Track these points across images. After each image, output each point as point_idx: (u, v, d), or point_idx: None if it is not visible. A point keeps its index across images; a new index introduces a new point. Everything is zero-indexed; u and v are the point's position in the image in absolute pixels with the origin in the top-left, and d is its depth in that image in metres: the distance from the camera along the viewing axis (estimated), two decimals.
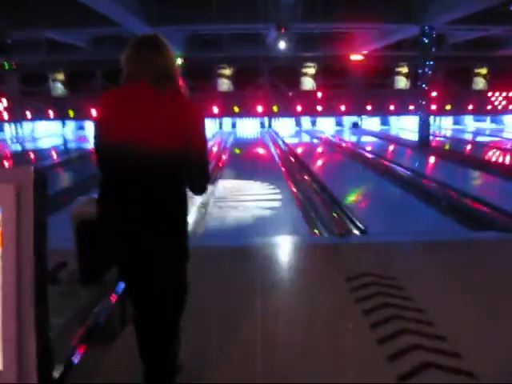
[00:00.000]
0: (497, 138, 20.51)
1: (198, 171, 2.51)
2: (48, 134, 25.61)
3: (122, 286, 3.31)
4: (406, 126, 25.15)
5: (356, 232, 6.69)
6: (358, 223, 7.02)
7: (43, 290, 1.19)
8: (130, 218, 2.37)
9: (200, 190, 2.59)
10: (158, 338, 2.58)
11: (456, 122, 27.44)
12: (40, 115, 26.13)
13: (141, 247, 2.41)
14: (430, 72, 16.54)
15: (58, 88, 26.13)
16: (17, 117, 25.98)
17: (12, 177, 1.14)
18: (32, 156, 18.33)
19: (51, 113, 26.01)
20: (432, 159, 15.47)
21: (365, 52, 23.46)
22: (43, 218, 1.19)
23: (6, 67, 23.71)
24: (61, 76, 25.98)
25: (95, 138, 2.43)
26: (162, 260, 2.45)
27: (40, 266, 1.17)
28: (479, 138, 21.59)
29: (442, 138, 21.97)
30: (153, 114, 2.32)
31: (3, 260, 1.13)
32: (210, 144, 18.38)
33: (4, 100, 25.78)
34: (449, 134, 24.10)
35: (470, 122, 27.39)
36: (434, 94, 17.68)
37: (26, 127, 26.46)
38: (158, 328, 2.57)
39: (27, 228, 1.13)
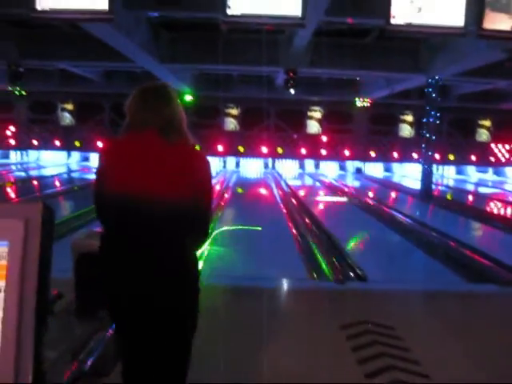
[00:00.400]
0: (499, 190, 20.57)
1: (200, 227, 2.40)
2: (53, 163, 25.76)
3: None
4: (408, 174, 25.26)
5: (355, 278, 6.66)
6: (356, 269, 7.00)
7: (43, 325, 1.20)
8: (133, 279, 2.25)
9: (197, 246, 2.48)
10: None
11: (459, 172, 27.57)
12: (46, 144, 26.31)
13: (143, 313, 2.28)
14: (434, 122, 16.70)
15: (66, 118, 26.39)
16: (23, 144, 26.17)
17: (21, 212, 1.17)
18: (35, 183, 18.41)
19: (58, 142, 26.18)
20: (434, 208, 15.48)
21: (371, 99, 23.74)
22: (48, 253, 1.21)
23: (17, 94, 24.05)
24: (70, 106, 26.26)
25: (97, 186, 2.33)
26: (167, 334, 2.32)
27: (42, 300, 1.18)
28: (481, 189, 21.67)
29: (444, 188, 22.05)
30: (160, 164, 2.24)
31: (6, 294, 1.15)
32: (213, 181, 18.47)
33: (11, 127, 25.99)
34: (451, 183, 24.19)
35: (472, 173, 27.51)
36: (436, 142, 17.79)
37: (32, 155, 26.63)
38: None
39: (32, 263, 1.15)
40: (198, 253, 2.50)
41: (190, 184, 2.26)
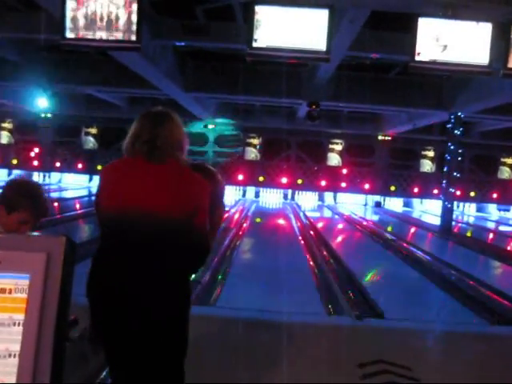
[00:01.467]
0: None
1: (194, 247, 2.38)
2: (74, 185, 26.03)
3: None
4: (428, 209, 25.05)
5: (372, 315, 6.57)
6: (374, 306, 6.91)
7: (61, 358, 1.19)
8: (119, 297, 2.28)
9: (192, 267, 2.49)
10: None
11: (479, 210, 27.27)
12: (69, 167, 26.64)
13: (130, 328, 2.30)
14: (456, 158, 16.60)
15: (90, 142, 26.74)
16: (46, 166, 26.52)
17: (44, 245, 1.17)
18: (56, 205, 18.57)
19: (80, 165, 26.49)
20: (453, 245, 15.29)
21: (392, 133, 23.73)
22: (69, 287, 1.20)
23: (43, 116, 24.49)
24: (94, 130, 26.63)
25: (96, 208, 2.47)
26: (154, 354, 2.32)
27: (60, 335, 1.17)
28: (502, 228, 21.39)
29: (464, 225, 21.81)
30: (152, 181, 2.35)
31: (25, 327, 1.15)
32: (232, 211, 18.48)
33: (36, 148, 26.38)
34: (471, 220, 23.92)
35: (493, 211, 27.19)
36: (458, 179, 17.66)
37: (54, 177, 26.96)
38: None
39: (52, 297, 1.15)
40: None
41: (178, 201, 2.31)
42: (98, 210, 2.45)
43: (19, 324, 1.14)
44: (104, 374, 3.20)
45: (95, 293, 2.37)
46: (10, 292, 1.16)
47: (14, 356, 1.13)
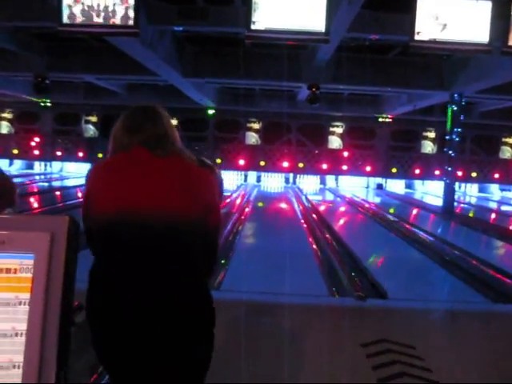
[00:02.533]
0: None
1: (209, 249, 2.21)
2: (76, 173, 26.06)
3: None
4: (430, 191, 25.04)
5: (375, 296, 6.60)
6: (377, 287, 6.94)
7: (67, 338, 1.20)
8: (134, 316, 1.98)
9: (208, 274, 2.29)
10: None
11: (481, 190, 27.25)
12: (70, 155, 26.64)
13: (147, 359, 1.99)
14: (457, 139, 16.57)
15: (90, 130, 26.70)
16: (47, 155, 26.53)
17: (48, 225, 1.18)
18: (58, 194, 18.62)
19: (81, 154, 26.49)
20: (455, 226, 15.31)
21: (393, 115, 23.67)
22: (73, 267, 1.21)
23: (42, 105, 24.49)
24: (94, 118, 26.58)
25: (85, 211, 2.14)
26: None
27: (66, 314, 1.18)
28: (504, 207, 21.40)
29: (466, 205, 21.81)
30: (155, 178, 2.09)
31: (31, 306, 1.15)
32: (233, 196, 18.51)
33: (36, 138, 26.37)
34: (473, 201, 23.92)
35: (495, 191, 27.18)
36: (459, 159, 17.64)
37: (55, 166, 26.97)
38: None
39: (57, 276, 1.16)
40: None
41: (192, 198, 2.08)
42: (90, 216, 2.10)
43: (25, 303, 1.15)
44: None
45: (104, 318, 2.04)
46: (15, 272, 1.16)
47: (21, 335, 1.14)
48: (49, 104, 24.69)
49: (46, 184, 22.05)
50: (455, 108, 16.25)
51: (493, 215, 19.08)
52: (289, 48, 13.47)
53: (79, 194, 18.39)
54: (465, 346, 4.66)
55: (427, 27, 7.14)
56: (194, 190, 2.09)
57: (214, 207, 2.18)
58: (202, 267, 2.12)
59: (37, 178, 23.88)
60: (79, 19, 7.19)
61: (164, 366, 2.01)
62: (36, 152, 26.53)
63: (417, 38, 7.22)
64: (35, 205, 15.27)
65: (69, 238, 1.19)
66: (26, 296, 1.15)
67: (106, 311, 2.03)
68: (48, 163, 26.99)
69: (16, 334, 1.14)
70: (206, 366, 2.18)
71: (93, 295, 2.06)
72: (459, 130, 16.53)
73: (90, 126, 26.69)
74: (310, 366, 4.08)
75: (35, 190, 19.74)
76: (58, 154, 26.57)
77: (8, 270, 1.17)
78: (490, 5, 7.30)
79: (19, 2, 10.42)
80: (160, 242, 1.99)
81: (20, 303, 1.15)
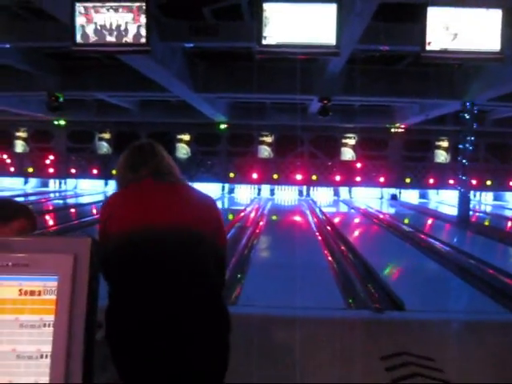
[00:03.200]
0: None
1: (220, 264, 2.33)
2: (90, 191, 26.26)
3: None
4: (445, 200, 24.89)
5: (392, 307, 6.56)
6: (394, 298, 6.89)
7: (91, 358, 1.21)
8: (156, 341, 2.05)
9: (219, 288, 2.36)
10: None
11: (496, 198, 27.05)
12: (84, 172, 26.85)
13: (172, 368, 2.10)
14: (470, 147, 16.49)
15: (104, 147, 26.91)
16: (62, 173, 26.76)
17: (71, 246, 1.19)
18: (73, 211, 18.74)
19: (95, 171, 26.68)
20: (472, 235, 15.19)
21: (405, 125, 23.63)
22: (96, 287, 1.22)
23: (56, 124, 24.76)
24: (107, 135, 26.79)
25: (103, 237, 2.23)
26: None
27: (90, 335, 1.19)
28: None
29: (481, 214, 21.64)
30: (172, 199, 2.32)
31: (55, 328, 1.16)
32: (247, 209, 18.52)
33: (51, 156, 26.63)
34: (489, 209, 23.73)
35: (510, 198, 26.96)
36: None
37: (70, 183, 27.18)
38: None
39: (81, 298, 1.17)
40: None
41: (203, 215, 2.28)
42: (109, 237, 2.19)
43: (50, 325, 1.16)
44: None
45: (124, 336, 2.14)
46: (40, 294, 1.18)
47: (46, 357, 1.15)
48: (62, 122, 24.95)
49: (61, 201, 22.21)
50: (467, 116, 16.19)
51: (509, 223, 18.90)
52: (300, 61, 13.53)
53: (94, 211, 18.51)
54: (483, 356, 4.61)
55: (438, 37, 7.14)
56: (203, 209, 2.31)
57: (221, 225, 2.40)
58: (216, 279, 2.26)
59: (51, 195, 24.07)
60: (92, 38, 7.28)
61: (183, 375, 2.12)
62: (51, 170, 26.78)
63: (428, 48, 7.21)
64: (51, 222, 15.38)
65: (91, 260, 1.20)
66: (51, 318, 1.17)
67: (128, 329, 2.12)
68: (63, 181, 27.19)
69: (41, 356, 1.15)
70: (223, 372, 2.27)
71: (113, 312, 2.16)
72: (472, 138, 16.45)
73: (104, 143, 26.90)
74: (327, 379, 4.05)
75: (50, 207, 19.89)
76: (73, 171, 26.78)
77: (32, 293, 1.18)
78: (500, 13, 7.29)
79: (33, 22, 10.61)
80: (175, 255, 2.12)
81: (45, 325, 1.16)
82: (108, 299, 2.19)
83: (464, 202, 16.69)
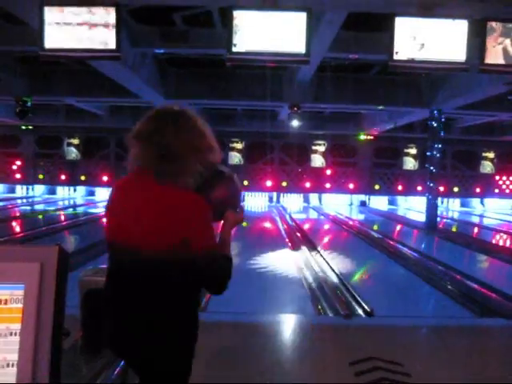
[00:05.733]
0: (504, 222, 20.52)
1: (210, 275, 2.17)
2: (58, 197, 25.92)
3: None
4: (413, 207, 25.24)
5: (361, 313, 6.62)
6: (363, 304, 6.96)
7: (58, 366, 1.21)
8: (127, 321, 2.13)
9: (216, 292, 2.27)
10: None
11: (463, 205, 27.55)
12: (52, 178, 26.48)
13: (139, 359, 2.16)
14: (438, 155, 16.77)
15: (72, 152, 26.60)
16: (29, 178, 26.34)
17: (38, 255, 1.19)
18: (40, 218, 18.46)
19: (63, 177, 26.35)
20: (439, 241, 15.43)
21: (374, 132, 23.92)
22: (63, 296, 1.22)
23: (23, 129, 24.39)
24: (75, 141, 26.49)
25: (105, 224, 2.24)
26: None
27: (56, 343, 1.19)
28: (486, 221, 21.62)
29: (449, 220, 22.00)
30: (144, 209, 2.04)
31: (22, 336, 1.16)
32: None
33: (18, 161, 26.20)
34: (456, 216, 24.14)
35: (477, 205, 27.49)
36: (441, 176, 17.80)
37: (37, 189, 26.77)
38: None
39: (47, 306, 1.16)
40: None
41: (175, 227, 2.01)
42: (106, 234, 2.21)
43: (16, 334, 1.16)
44: (98, 382, 3.21)
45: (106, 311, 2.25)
46: (6, 302, 1.17)
47: (13, 365, 1.14)
48: (30, 127, 24.61)
49: (28, 208, 21.86)
50: (435, 124, 16.47)
51: (475, 229, 19.25)
52: (270, 69, 13.60)
53: (62, 218, 18.27)
54: (451, 361, 4.68)
55: (405, 47, 7.25)
56: (170, 223, 2.01)
57: (196, 235, 2.04)
58: (181, 289, 2.12)
59: (19, 201, 23.68)
60: (61, 43, 7.21)
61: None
62: (18, 176, 26.34)
63: (395, 57, 7.32)
64: (17, 229, 15.14)
65: (59, 268, 1.20)
66: (17, 326, 1.16)
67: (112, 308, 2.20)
68: (30, 186, 26.76)
69: (7, 365, 1.14)
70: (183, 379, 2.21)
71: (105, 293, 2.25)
72: (440, 145, 16.74)
73: (73, 149, 26.59)
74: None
75: (17, 214, 19.57)
76: (40, 177, 26.40)
77: None
78: (466, 24, 7.44)
79: (1, 26, 10.44)
80: (138, 266, 2.04)
81: (11, 334, 1.16)
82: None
83: (432, 208, 16.95)
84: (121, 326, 2.15)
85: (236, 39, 7.02)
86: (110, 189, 2.26)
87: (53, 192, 26.71)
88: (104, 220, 2.25)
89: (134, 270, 2.06)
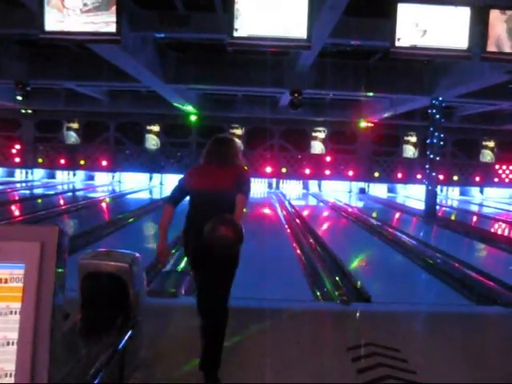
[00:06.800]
0: (503, 211, 20.55)
1: (240, 204, 3.96)
2: (57, 181, 25.91)
3: (122, 343, 3.29)
4: (412, 195, 25.26)
5: (359, 299, 6.64)
6: (361, 290, 6.99)
7: (57, 345, 1.21)
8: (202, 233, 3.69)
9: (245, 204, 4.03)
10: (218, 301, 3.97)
11: (463, 193, 27.57)
12: (52, 162, 26.44)
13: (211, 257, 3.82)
14: (438, 143, 16.74)
15: (72, 136, 26.54)
16: (29, 162, 26.31)
17: (38, 235, 1.19)
18: (39, 202, 18.47)
19: (63, 161, 26.31)
20: (438, 229, 15.46)
21: (374, 120, 23.86)
22: (63, 276, 1.22)
23: (23, 112, 24.31)
24: (75, 125, 26.43)
25: (180, 186, 4.17)
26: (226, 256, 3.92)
27: (56, 322, 1.19)
28: (485, 210, 21.65)
29: (448, 208, 22.02)
30: (217, 175, 4.08)
31: (22, 315, 1.16)
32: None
33: (17, 145, 26.15)
34: (455, 204, 24.17)
35: (476, 194, 27.52)
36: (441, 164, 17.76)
37: (37, 173, 26.74)
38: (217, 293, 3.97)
39: (48, 286, 1.17)
40: None
41: (233, 182, 4.00)
42: (188, 188, 4.10)
43: (16, 312, 1.16)
44: (97, 365, 3.21)
45: (190, 236, 3.98)
46: (6, 281, 1.17)
47: (13, 344, 1.15)
48: (30, 111, 24.53)
49: (27, 192, 21.86)
50: (435, 112, 16.43)
51: (474, 218, 19.29)
52: (271, 54, 13.54)
53: (61, 202, 18.29)
54: (448, 347, 4.71)
55: (407, 34, 7.22)
56: (230, 179, 4.02)
57: (241, 181, 4.05)
58: (232, 207, 3.92)
59: (18, 185, 23.67)
60: (61, 26, 7.17)
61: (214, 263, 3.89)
62: (17, 159, 26.31)
63: (397, 44, 7.30)
64: (16, 213, 15.16)
65: (59, 248, 1.20)
66: (17, 305, 1.16)
67: (192, 234, 3.95)
68: (29, 171, 26.72)
69: (7, 343, 1.15)
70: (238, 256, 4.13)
71: (186, 225, 4.04)
72: (440, 134, 16.71)
73: (72, 133, 26.54)
74: (295, 369, 4.10)
75: (16, 198, 19.58)
76: (40, 161, 26.37)
77: None
78: (468, 11, 7.41)
79: (0, 9, 10.37)
80: (214, 200, 3.94)
81: (11, 312, 1.16)
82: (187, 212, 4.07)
83: (431, 196, 16.97)
84: (199, 231, 3.67)
85: (237, 24, 6.99)
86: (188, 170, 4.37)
87: (52, 176, 26.69)
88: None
89: (210, 201, 3.94)
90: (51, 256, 1.18)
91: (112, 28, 7.05)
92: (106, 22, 6.99)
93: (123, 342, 3.32)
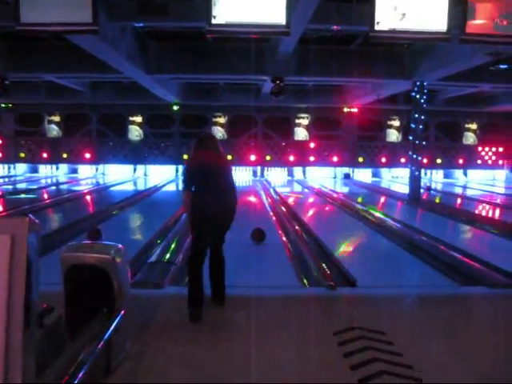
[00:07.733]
0: (486, 193, 20.73)
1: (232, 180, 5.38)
2: (41, 175, 25.69)
3: (107, 334, 3.28)
4: (396, 179, 25.38)
5: (345, 284, 6.67)
6: (347, 275, 7.02)
7: (32, 337, 1.20)
8: (213, 204, 5.07)
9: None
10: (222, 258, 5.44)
11: (446, 176, 27.76)
12: (34, 157, 26.20)
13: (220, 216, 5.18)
14: (421, 126, 16.80)
15: (53, 130, 26.29)
16: (10, 157, 26.03)
17: (8, 227, 1.16)
18: (22, 197, 18.29)
19: (45, 155, 26.07)
20: (423, 212, 15.56)
21: (357, 105, 23.89)
22: (35, 266, 1.20)
23: (3, 107, 24.02)
24: (57, 118, 26.17)
25: (189, 167, 5.25)
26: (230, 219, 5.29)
27: (29, 312, 1.17)
28: (469, 192, 21.83)
29: (432, 191, 22.15)
30: (216, 156, 5.27)
31: None
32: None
33: None
34: (439, 187, 24.32)
35: (460, 176, 27.72)
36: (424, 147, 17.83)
37: (19, 168, 26.47)
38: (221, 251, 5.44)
39: (19, 277, 1.15)
40: None
41: (224, 160, 5.47)
42: (193, 169, 5.18)
43: None
44: (81, 358, 3.20)
45: (199, 210, 5.06)
46: None
47: None
48: (10, 105, 24.25)
49: (10, 187, 21.63)
50: (418, 96, 16.47)
51: (458, 200, 19.43)
52: (252, 41, 13.47)
53: (45, 196, 18.15)
54: (433, 329, 4.76)
55: (386, 17, 7.22)
56: (224, 158, 5.53)
57: (229, 165, 5.53)
58: (232, 183, 5.33)
59: (0, 180, 23.42)
60: (38, 18, 7.08)
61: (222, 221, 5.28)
62: None
63: (377, 28, 7.29)
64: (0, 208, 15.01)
65: (30, 239, 1.18)
66: None
67: (202, 207, 5.09)
68: (12, 165, 26.45)
69: None
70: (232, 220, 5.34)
71: (195, 200, 5.08)
72: (423, 117, 16.77)
73: (54, 126, 26.28)
74: (282, 354, 4.12)
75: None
76: (22, 155, 26.10)
77: None
78: None
79: None
80: (216, 177, 5.15)
81: None
82: (193, 194, 5.10)
83: (415, 180, 17.06)
84: (211, 203, 5.05)
85: (215, 11, 6.95)
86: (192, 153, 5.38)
87: (35, 170, 26.45)
88: None
89: (214, 175, 5.12)
90: (22, 248, 1.16)
91: (88, 18, 6.97)
92: (82, 12, 6.91)
93: (108, 333, 3.31)
